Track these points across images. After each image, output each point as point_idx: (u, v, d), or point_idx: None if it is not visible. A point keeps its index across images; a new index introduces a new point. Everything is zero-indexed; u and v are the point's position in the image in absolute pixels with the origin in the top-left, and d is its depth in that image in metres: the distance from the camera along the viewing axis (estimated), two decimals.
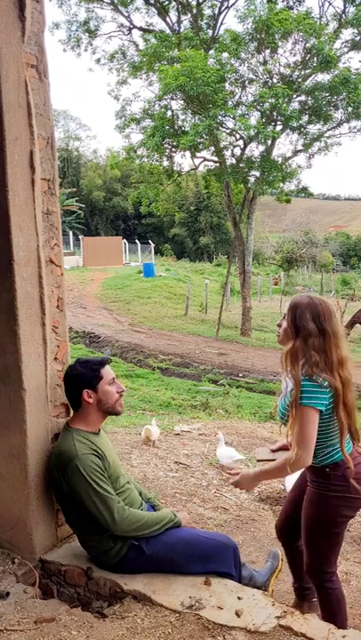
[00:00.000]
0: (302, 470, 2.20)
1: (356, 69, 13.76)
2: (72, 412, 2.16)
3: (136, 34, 18.93)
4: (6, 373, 2.03)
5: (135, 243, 32.44)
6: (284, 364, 1.92)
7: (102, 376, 2.06)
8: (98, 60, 18.23)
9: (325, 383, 1.83)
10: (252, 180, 15.16)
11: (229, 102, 13.84)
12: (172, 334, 14.74)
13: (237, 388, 9.33)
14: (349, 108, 13.77)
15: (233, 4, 16.80)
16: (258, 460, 2.32)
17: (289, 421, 1.91)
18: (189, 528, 2.13)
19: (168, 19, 17.45)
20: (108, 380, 2.07)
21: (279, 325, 2.00)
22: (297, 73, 14.11)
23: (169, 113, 14.92)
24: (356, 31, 14.28)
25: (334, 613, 2.04)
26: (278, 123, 14.34)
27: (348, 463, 1.92)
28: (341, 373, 1.87)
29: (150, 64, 15.43)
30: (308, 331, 1.87)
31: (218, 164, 15.45)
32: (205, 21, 17.25)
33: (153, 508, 2.31)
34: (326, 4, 15.58)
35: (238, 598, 1.91)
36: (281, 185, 15.19)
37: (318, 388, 1.83)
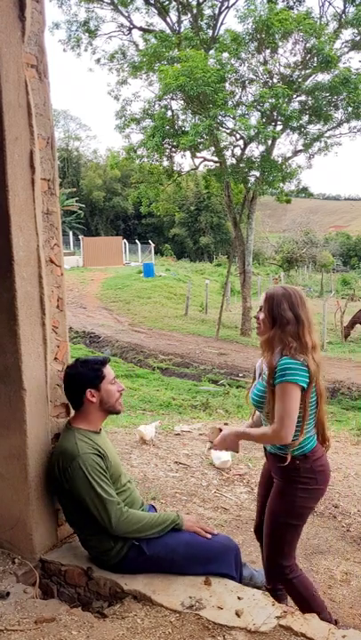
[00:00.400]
0: (265, 471, 2.25)
1: (357, 69, 13.77)
2: (72, 412, 2.16)
3: (136, 34, 19.05)
4: (6, 373, 2.02)
5: (135, 243, 32.44)
6: (262, 351, 2.01)
7: (104, 375, 2.07)
8: (98, 60, 18.26)
9: (305, 363, 1.91)
10: (252, 180, 15.15)
11: (229, 102, 13.84)
12: (172, 334, 14.73)
13: (237, 387, 9.32)
14: (349, 108, 13.77)
15: (233, 4, 16.86)
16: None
17: (265, 405, 1.97)
18: (193, 533, 2.10)
19: (168, 19, 17.46)
20: (110, 380, 2.09)
21: (257, 317, 2.06)
22: (297, 73, 14.11)
23: (169, 113, 14.92)
24: (357, 31, 14.28)
25: (305, 599, 2.08)
26: (278, 123, 14.34)
27: (316, 453, 1.99)
28: (315, 357, 1.95)
29: (150, 64, 15.43)
30: (286, 319, 1.95)
31: (218, 164, 15.45)
32: (205, 21, 17.25)
33: (154, 507, 2.30)
34: (326, 4, 15.63)
35: (238, 598, 1.91)
36: (281, 185, 15.20)
37: (300, 366, 1.90)
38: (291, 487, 2.00)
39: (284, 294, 1.97)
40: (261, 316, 2.02)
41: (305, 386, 1.90)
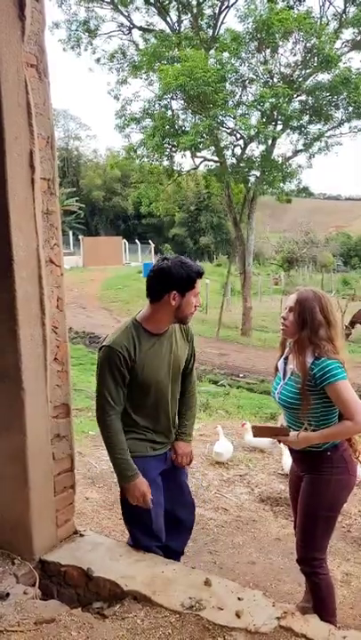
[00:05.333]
0: (293, 476, 2.26)
1: (357, 69, 13.74)
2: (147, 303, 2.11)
3: (136, 33, 18.84)
4: (6, 374, 2.02)
5: (135, 243, 32.41)
6: (295, 354, 2.02)
7: (195, 286, 2.04)
8: (98, 60, 18.20)
9: (342, 363, 1.97)
10: (252, 179, 15.15)
11: (230, 102, 13.83)
12: None
13: (238, 388, 9.30)
14: (350, 108, 13.79)
15: (233, 4, 16.73)
16: (254, 435, 2.31)
17: (301, 408, 1.99)
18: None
19: (168, 18, 17.43)
20: (196, 292, 2.05)
21: (285, 318, 2.07)
22: (297, 73, 14.11)
23: (169, 113, 14.91)
24: (357, 31, 14.27)
25: (325, 599, 2.10)
26: (279, 122, 14.33)
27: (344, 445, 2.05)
28: (345, 357, 2.00)
29: (150, 64, 15.40)
30: (318, 322, 1.98)
31: (218, 164, 15.44)
32: (206, 21, 17.21)
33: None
34: (327, 3, 15.54)
35: (238, 599, 1.90)
36: (281, 185, 15.19)
37: (340, 365, 1.96)
38: (323, 478, 2.03)
39: (316, 297, 2.01)
40: (291, 317, 2.04)
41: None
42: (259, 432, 2.28)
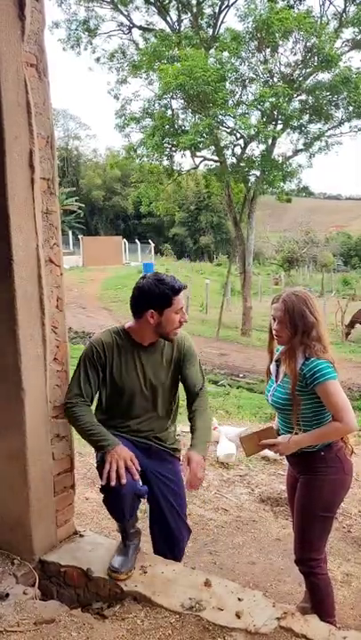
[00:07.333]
0: (290, 479, 2.25)
1: (357, 68, 13.75)
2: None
3: (136, 33, 18.85)
4: (5, 374, 2.01)
5: (135, 242, 32.41)
6: (287, 360, 2.01)
7: (172, 303, 2.00)
8: (98, 59, 18.21)
9: (332, 362, 1.97)
10: (252, 179, 15.15)
11: (230, 101, 13.83)
12: None
13: (238, 388, 9.30)
14: (350, 108, 13.80)
15: (233, 3, 16.74)
16: (241, 439, 2.24)
17: (293, 411, 1.99)
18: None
19: (168, 18, 17.43)
20: (176, 309, 2.01)
21: (276, 330, 2.04)
22: (298, 72, 14.11)
23: (169, 112, 14.91)
24: (357, 30, 14.27)
25: (323, 599, 2.10)
26: (279, 122, 14.34)
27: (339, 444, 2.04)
28: (332, 355, 2.00)
29: (150, 63, 15.40)
30: (310, 324, 1.98)
31: (218, 164, 15.44)
32: (206, 20, 17.22)
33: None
34: (327, 3, 15.57)
35: (239, 599, 1.90)
36: (281, 184, 15.19)
37: (330, 364, 1.95)
38: (319, 478, 2.03)
39: (301, 300, 1.99)
40: (282, 328, 2.01)
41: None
42: (247, 442, 2.17)
